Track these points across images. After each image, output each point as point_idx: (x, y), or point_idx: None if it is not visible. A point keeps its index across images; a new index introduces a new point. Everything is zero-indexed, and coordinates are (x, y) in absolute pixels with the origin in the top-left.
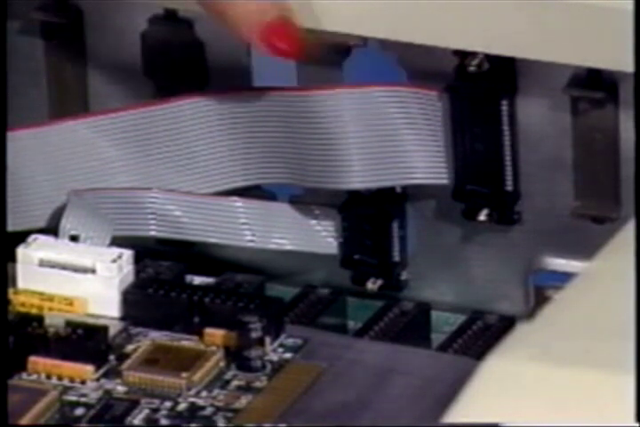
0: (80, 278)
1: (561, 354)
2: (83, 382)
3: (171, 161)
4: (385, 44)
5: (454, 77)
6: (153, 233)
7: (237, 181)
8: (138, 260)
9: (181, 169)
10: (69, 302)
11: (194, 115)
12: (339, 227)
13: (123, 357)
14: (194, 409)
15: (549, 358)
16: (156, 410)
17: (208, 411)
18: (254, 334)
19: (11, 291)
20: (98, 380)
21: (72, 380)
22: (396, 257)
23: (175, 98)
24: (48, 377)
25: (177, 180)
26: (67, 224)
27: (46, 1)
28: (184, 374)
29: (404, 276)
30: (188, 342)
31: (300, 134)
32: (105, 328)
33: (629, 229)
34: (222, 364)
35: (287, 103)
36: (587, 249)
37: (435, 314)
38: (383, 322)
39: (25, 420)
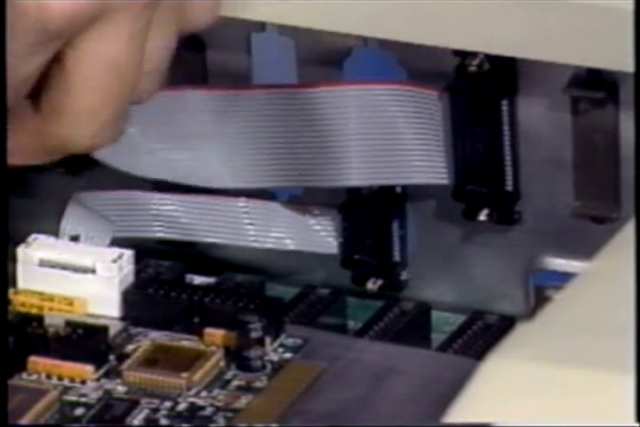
0: (80, 278)
1: (561, 354)
2: (83, 382)
3: None
4: (385, 44)
5: (454, 77)
6: (155, 234)
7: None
8: (138, 260)
9: None
10: (69, 302)
11: (192, 112)
12: (339, 227)
13: (123, 357)
14: (194, 409)
15: (549, 358)
16: (155, 410)
17: (208, 411)
18: (254, 334)
19: (11, 291)
20: (98, 380)
21: (72, 380)
22: (396, 257)
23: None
24: (48, 377)
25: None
26: (67, 224)
27: None
28: (184, 374)
29: (404, 276)
30: (188, 342)
31: (300, 132)
32: (105, 328)
33: (629, 229)
34: (222, 364)
35: (288, 100)
36: (587, 249)
37: (435, 314)
38: (383, 322)
39: (25, 420)
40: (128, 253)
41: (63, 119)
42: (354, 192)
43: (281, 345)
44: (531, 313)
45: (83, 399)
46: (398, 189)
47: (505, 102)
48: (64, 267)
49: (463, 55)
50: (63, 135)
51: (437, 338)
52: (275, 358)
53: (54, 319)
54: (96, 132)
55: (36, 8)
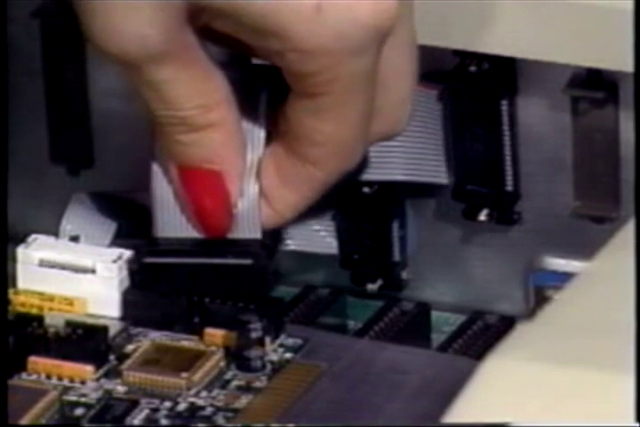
0: (80, 278)
1: (561, 354)
2: (83, 382)
3: None
4: None
5: (454, 77)
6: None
7: None
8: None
9: None
10: (69, 302)
11: None
12: (339, 227)
13: (123, 357)
14: (194, 409)
15: (549, 358)
16: (155, 410)
17: (208, 411)
18: (254, 334)
19: (11, 291)
20: (98, 380)
21: (72, 380)
22: (396, 257)
23: None
24: (48, 377)
25: None
26: (67, 224)
27: (46, 1)
28: (184, 374)
29: (404, 276)
30: (187, 342)
31: None
32: (105, 328)
33: (629, 229)
34: (222, 364)
35: None
36: (587, 249)
37: (435, 314)
38: (383, 322)
39: (25, 420)
40: (128, 253)
41: (381, 117)
42: (354, 192)
43: (281, 345)
44: (531, 313)
45: (83, 399)
46: (398, 189)
47: (505, 102)
48: (64, 267)
49: (463, 55)
50: (385, 130)
51: (437, 338)
52: (275, 358)
53: (54, 319)
54: (408, 115)
55: (372, 8)
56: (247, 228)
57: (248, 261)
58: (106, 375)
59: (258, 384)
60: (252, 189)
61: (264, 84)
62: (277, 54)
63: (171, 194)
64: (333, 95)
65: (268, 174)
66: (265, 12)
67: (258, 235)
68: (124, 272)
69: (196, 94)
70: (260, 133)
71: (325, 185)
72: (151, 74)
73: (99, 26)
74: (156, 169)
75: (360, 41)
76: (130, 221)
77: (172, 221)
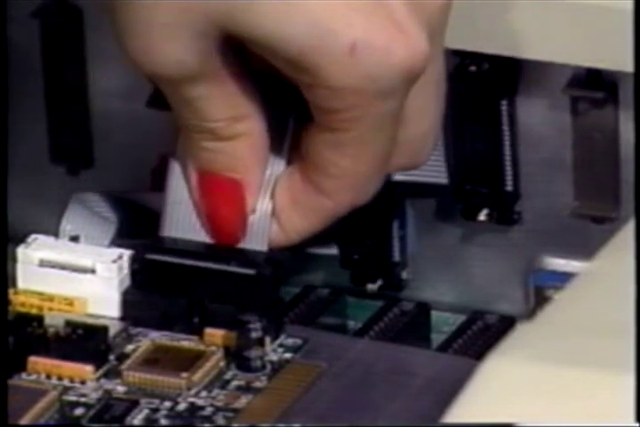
0: (80, 278)
1: (561, 354)
2: (82, 382)
3: None
4: None
5: (454, 77)
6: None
7: None
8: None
9: None
10: (69, 302)
11: None
12: (339, 227)
13: (123, 357)
14: (194, 409)
15: (549, 358)
16: (155, 410)
17: (208, 411)
18: (254, 334)
19: (11, 291)
20: (98, 380)
21: (72, 380)
22: (396, 257)
23: None
24: (48, 377)
25: None
26: (67, 224)
27: (46, 1)
28: (184, 374)
29: (404, 276)
30: (187, 342)
31: None
32: (105, 328)
33: (629, 229)
34: (222, 364)
35: None
36: (587, 249)
37: (435, 314)
38: (383, 322)
39: (25, 420)
40: (128, 254)
41: (402, 150)
42: None
43: (281, 345)
44: (531, 313)
45: (83, 399)
46: (398, 189)
47: (505, 102)
48: (64, 267)
49: (463, 55)
50: (405, 162)
51: (437, 338)
52: (275, 358)
53: (54, 319)
54: (430, 149)
55: (405, 51)
56: (255, 240)
57: (251, 272)
58: (106, 375)
59: (258, 384)
60: (267, 202)
61: (292, 108)
62: (307, 87)
63: (185, 194)
64: (356, 132)
65: (281, 195)
66: (301, 48)
67: (265, 248)
68: (124, 272)
69: (228, 108)
70: (283, 149)
71: (335, 216)
72: (186, 91)
73: (137, 48)
74: (174, 167)
75: (391, 83)
76: (130, 221)
77: (182, 222)
